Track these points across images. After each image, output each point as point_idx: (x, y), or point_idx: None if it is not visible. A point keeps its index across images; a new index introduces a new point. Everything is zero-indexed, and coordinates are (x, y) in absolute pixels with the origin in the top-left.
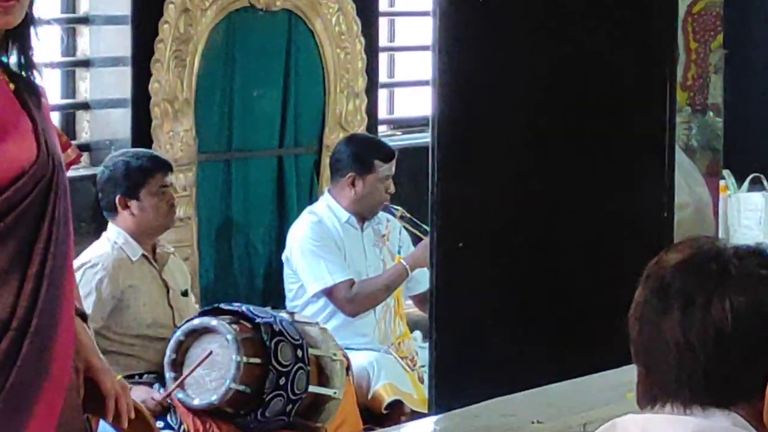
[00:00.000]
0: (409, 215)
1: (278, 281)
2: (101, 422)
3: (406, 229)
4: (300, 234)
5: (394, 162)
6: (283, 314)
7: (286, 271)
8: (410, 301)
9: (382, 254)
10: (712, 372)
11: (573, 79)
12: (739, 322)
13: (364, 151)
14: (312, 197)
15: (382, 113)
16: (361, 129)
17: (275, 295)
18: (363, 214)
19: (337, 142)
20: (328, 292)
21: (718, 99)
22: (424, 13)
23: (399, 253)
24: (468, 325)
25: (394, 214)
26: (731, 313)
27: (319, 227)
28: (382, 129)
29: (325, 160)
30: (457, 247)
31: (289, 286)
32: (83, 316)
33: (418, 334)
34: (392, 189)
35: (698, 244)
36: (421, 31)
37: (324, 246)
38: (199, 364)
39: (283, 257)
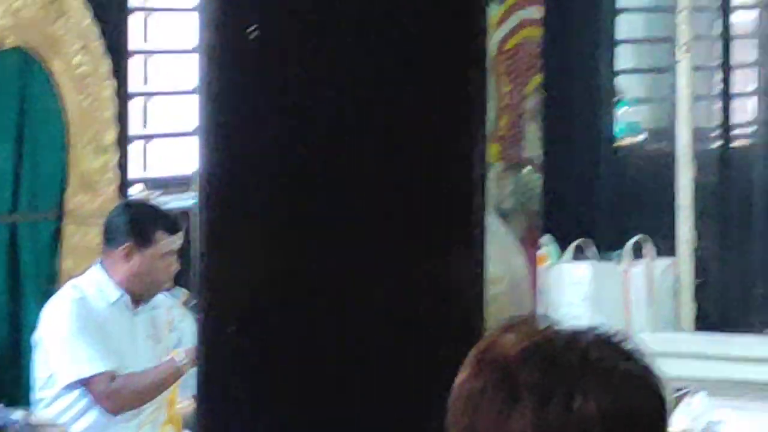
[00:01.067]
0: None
1: (12, 373)
2: None
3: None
4: (57, 312)
5: (180, 236)
6: (18, 414)
7: (37, 356)
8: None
9: (158, 349)
10: None
11: (363, 130)
12: (607, 422)
13: (144, 219)
14: (52, 272)
15: (136, 171)
16: (111, 189)
17: (9, 390)
18: (138, 295)
19: (114, 206)
20: (85, 384)
21: (535, 152)
22: (186, 51)
23: (180, 345)
24: (241, 427)
25: (177, 299)
26: (598, 413)
27: (82, 305)
28: (135, 189)
29: (68, 228)
30: (228, 331)
31: (39, 374)
32: None
33: None
34: (176, 267)
35: (536, 327)
36: (182, 71)
37: (85, 328)
38: None
39: (33, 339)
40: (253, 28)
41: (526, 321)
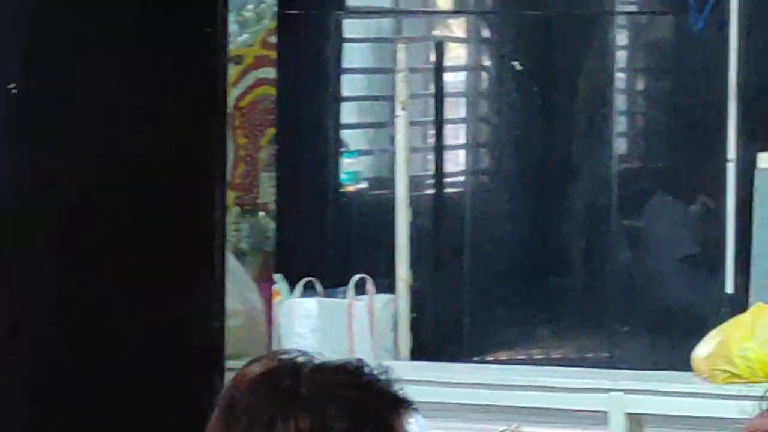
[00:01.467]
0: None
1: None
2: None
3: None
4: None
5: None
6: None
7: None
8: None
9: None
10: None
11: (117, 177)
12: None
13: None
14: None
15: None
16: None
17: None
18: None
19: None
20: None
21: (269, 198)
22: None
23: None
24: None
25: None
26: None
27: None
28: None
29: None
30: None
31: None
32: None
33: None
34: None
35: (277, 358)
36: None
37: None
38: None
39: None
40: (12, 85)
41: (274, 353)
